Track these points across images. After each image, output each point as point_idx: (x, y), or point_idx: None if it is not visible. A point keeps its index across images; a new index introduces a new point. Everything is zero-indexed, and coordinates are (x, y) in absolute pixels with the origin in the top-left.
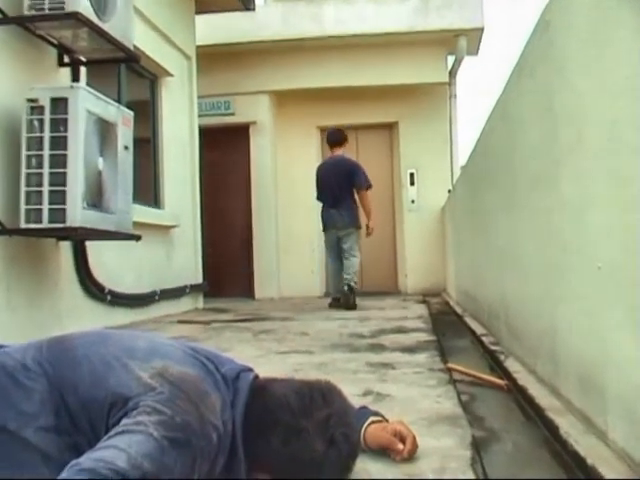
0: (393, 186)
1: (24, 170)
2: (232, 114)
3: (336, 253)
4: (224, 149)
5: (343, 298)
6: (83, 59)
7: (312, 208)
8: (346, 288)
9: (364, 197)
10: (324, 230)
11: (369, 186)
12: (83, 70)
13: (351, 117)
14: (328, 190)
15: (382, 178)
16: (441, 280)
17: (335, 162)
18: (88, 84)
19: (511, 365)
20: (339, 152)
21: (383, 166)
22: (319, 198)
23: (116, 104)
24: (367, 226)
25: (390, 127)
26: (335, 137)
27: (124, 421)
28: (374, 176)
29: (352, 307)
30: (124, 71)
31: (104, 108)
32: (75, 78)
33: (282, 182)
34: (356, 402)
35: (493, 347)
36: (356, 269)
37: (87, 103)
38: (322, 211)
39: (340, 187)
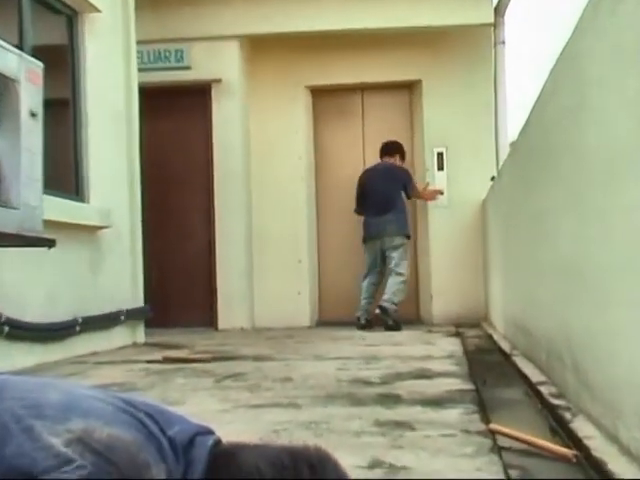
0: (414, 171)
1: None
2: (187, 68)
3: (377, 267)
4: (175, 119)
5: (373, 321)
6: None
7: (301, 204)
8: (378, 310)
9: (415, 195)
10: (365, 242)
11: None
12: None
13: (354, 74)
14: (376, 196)
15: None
16: (481, 304)
17: (386, 168)
18: None
19: (581, 427)
20: (390, 160)
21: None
22: (361, 207)
23: (17, 51)
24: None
25: (410, 88)
26: (389, 148)
27: None
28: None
29: (392, 328)
30: (28, 4)
31: None
32: None
33: (258, 167)
34: (359, 476)
35: (555, 401)
36: (400, 289)
37: None
38: (365, 221)
39: (391, 193)
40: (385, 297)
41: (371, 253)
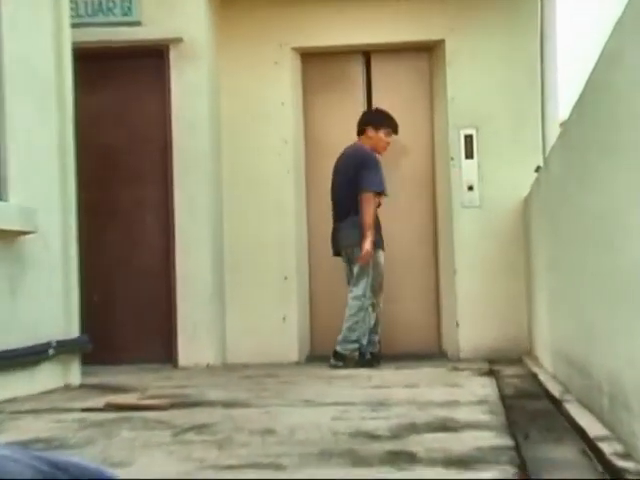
0: (434, 160)
1: None
2: (136, 23)
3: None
4: (122, 91)
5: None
6: None
7: (287, 204)
8: (332, 360)
9: (364, 201)
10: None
11: (378, 192)
12: None
13: (356, 33)
14: (334, 194)
15: (414, 145)
16: (522, 334)
17: (348, 155)
18: None
19: None
20: (359, 141)
21: (416, 122)
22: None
23: None
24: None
25: (429, 51)
26: (359, 122)
27: None
28: (398, 142)
29: (364, 365)
30: None
31: None
32: None
33: (231, 154)
34: None
35: (620, 462)
36: (357, 321)
37: None
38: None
39: (348, 189)
40: (339, 337)
41: (345, 269)
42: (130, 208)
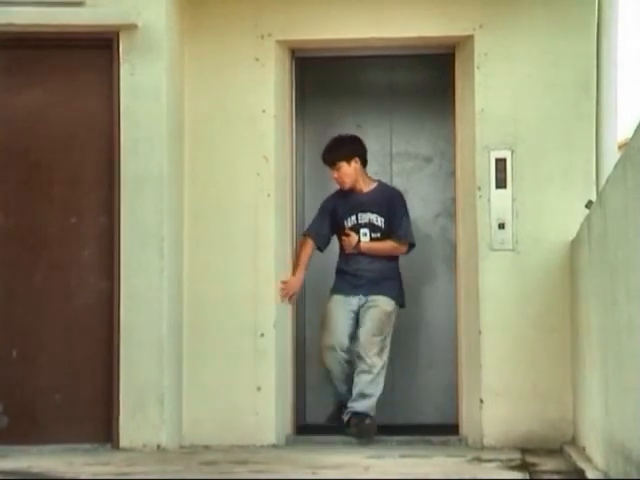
0: (454, 190)
1: None
2: (78, 3)
3: None
4: (54, 89)
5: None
6: None
7: (266, 238)
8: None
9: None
10: None
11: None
12: None
13: (360, 24)
14: None
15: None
16: (565, 416)
17: None
18: None
19: None
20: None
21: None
22: None
23: None
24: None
25: (453, 50)
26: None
27: None
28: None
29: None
30: None
31: None
32: None
33: (195, 173)
34: None
35: None
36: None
37: None
38: None
39: None
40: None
41: None
42: (61, 240)
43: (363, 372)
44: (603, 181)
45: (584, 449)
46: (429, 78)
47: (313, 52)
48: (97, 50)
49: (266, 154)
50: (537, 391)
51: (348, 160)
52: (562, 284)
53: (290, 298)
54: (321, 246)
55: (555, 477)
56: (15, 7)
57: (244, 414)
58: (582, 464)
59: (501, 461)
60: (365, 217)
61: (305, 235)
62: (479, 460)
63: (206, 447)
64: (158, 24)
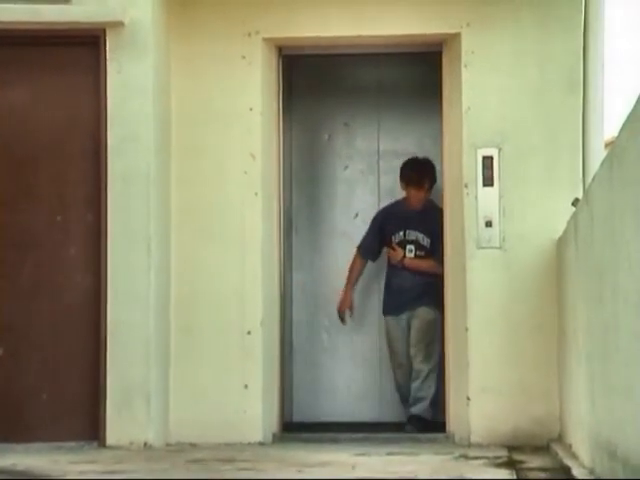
0: (441, 188)
1: None
2: (64, 0)
3: None
4: (41, 87)
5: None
6: None
7: (253, 237)
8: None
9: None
10: None
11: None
12: None
13: (347, 23)
14: None
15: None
16: (551, 414)
17: None
18: None
19: None
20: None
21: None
22: None
23: None
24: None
25: (441, 47)
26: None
27: None
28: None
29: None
30: None
31: None
32: None
33: (182, 171)
34: None
35: None
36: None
37: None
38: None
39: None
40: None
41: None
42: (48, 238)
43: (413, 379)
44: (590, 178)
45: (570, 446)
46: (416, 76)
47: (300, 50)
48: (84, 48)
49: (253, 152)
50: (524, 388)
51: (428, 181)
52: (549, 282)
53: (343, 315)
54: (370, 259)
55: (541, 475)
56: (0, 4)
57: (231, 412)
58: (568, 461)
59: (488, 458)
60: (413, 235)
61: (357, 249)
62: (466, 457)
63: (193, 445)
64: (145, 21)
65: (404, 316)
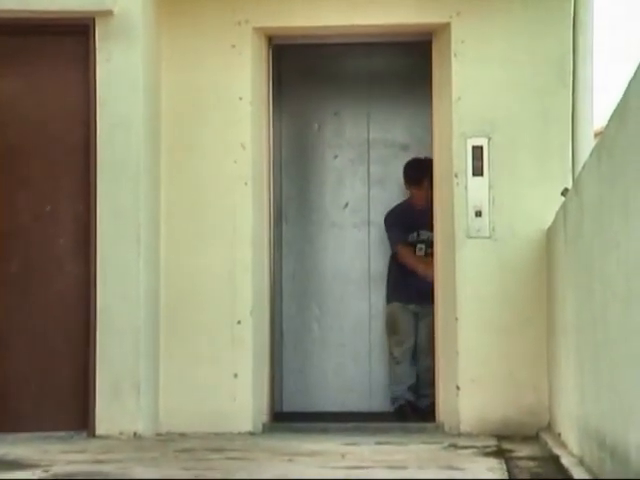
0: (432, 177)
1: None
2: None
3: None
4: (29, 77)
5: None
6: None
7: (243, 227)
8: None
9: (399, 255)
10: None
11: (397, 241)
12: None
13: (339, 12)
14: None
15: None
16: (541, 403)
17: None
18: None
19: None
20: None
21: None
22: None
23: None
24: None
25: (430, 37)
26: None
27: None
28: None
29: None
30: None
31: None
32: None
33: (172, 162)
34: None
35: None
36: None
37: None
38: None
39: None
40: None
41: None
42: (37, 227)
43: (421, 372)
44: (579, 168)
45: (559, 435)
46: (406, 65)
47: (290, 39)
48: (73, 36)
49: (243, 141)
50: (513, 378)
51: (429, 179)
52: (539, 272)
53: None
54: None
55: (530, 463)
56: None
57: (221, 402)
58: (557, 450)
59: (477, 448)
60: (425, 235)
61: (400, 246)
62: (455, 447)
63: (182, 435)
64: (134, 10)
65: (412, 306)
